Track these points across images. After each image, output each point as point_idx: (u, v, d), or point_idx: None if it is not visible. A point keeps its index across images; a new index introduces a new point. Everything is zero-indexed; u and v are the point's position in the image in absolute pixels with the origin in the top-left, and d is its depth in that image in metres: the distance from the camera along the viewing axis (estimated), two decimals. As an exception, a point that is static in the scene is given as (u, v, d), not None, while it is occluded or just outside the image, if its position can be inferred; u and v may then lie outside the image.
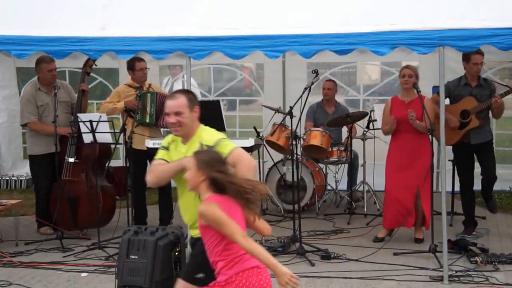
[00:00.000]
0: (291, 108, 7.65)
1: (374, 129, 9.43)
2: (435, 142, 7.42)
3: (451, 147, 8.28)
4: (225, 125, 7.76)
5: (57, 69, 8.39)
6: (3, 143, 11.45)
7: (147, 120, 8.23)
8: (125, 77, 9.72)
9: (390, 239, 7.75)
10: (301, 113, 7.75)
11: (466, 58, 7.74)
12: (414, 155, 7.66)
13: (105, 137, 7.78)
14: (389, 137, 8.06)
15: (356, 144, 9.62)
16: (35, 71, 8.39)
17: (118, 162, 9.84)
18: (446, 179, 6.70)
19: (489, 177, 8.02)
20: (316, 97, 10.14)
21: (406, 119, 7.58)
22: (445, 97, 7.82)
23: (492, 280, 6.38)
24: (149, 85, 8.50)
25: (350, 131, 9.21)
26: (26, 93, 8.43)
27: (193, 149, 4.28)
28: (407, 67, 7.81)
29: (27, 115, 8.23)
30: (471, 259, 6.86)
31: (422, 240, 7.68)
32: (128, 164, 7.73)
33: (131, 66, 8.34)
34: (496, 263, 6.75)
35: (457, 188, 9.57)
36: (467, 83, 7.86)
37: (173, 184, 8.39)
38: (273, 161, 9.53)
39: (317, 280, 6.52)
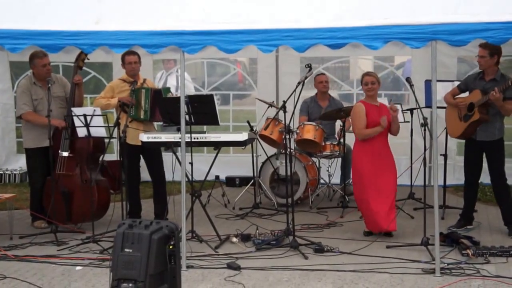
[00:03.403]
0: (285, 102, 7.67)
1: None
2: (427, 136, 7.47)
3: (453, 141, 8.24)
4: (218, 119, 7.77)
5: (51, 63, 8.37)
6: (-4, 137, 11.45)
7: (142, 117, 8.22)
8: (118, 71, 9.72)
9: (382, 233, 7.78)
10: (295, 107, 7.77)
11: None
12: (385, 159, 7.68)
13: (99, 131, 7.78)
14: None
15: (350, 138, 9.65)
16: (28, 66, 8.39)
17: (112, 156, 9.84)
18: (438, 173, 6.74)
19: (494, 183, 7.86)
20: (309, 92, 10.15)
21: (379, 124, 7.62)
22: (465, 91, 7.89)
23: (483, 272, 6.43)
24: (144, 80, 8.50)
25: (343, 125, 9.25)
26: (21, 85, 8.41)
27: None
28: (368, 74, 7.75)
29: (22, 106, 8.22)
30: (463, 252, 6.90)
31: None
32: (122, 158, 7.75)
33: (122, 59, 8.34)
34: (487, 256, 6.80)
35: (452, 182, 9.67)
36: (482, 77, 7.75)
37: (167, 178, 8.48)
38: (267, 155, 9.57)
39: (311, 273, 6.55)
